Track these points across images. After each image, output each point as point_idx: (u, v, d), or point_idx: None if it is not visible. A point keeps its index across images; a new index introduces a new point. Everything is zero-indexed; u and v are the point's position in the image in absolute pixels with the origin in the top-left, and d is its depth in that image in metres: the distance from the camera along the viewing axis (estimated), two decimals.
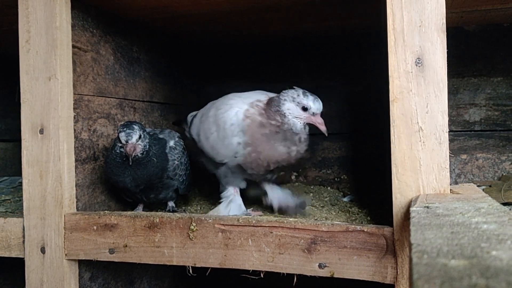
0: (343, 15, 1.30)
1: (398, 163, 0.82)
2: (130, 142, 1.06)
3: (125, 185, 1.12)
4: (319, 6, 1.18)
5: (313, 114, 1.07)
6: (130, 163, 1.07)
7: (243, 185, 1.22)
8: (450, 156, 0.81)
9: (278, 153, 1.08)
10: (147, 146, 1.11)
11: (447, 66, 0.81)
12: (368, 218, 1.10)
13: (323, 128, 1.08)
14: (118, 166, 1.09)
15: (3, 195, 1.43)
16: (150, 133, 1.18)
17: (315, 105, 1.07)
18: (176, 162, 1.18)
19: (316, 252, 0.86)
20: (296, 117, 1.07)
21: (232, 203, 1.16)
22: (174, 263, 0.95)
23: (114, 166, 1.09)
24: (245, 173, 1.15)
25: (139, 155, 1.09)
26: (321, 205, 1.32)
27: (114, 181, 1.12)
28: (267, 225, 0.89)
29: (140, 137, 1.08)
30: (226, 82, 1.72)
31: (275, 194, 1.21)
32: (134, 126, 1.07)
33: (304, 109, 1.07)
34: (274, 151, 1.08)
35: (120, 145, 1.07)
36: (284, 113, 1.07)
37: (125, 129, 1.07)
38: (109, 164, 1.11)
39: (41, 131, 1.02)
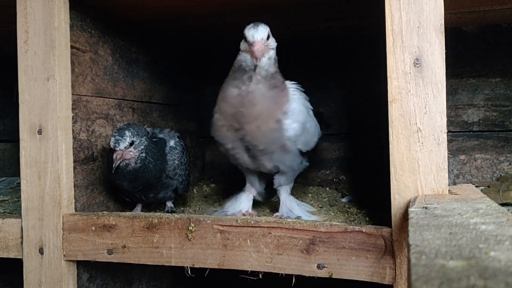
0: (342, 16, 1.30)
1: (397, 163, 0.82)
2: (118, 149, 1.04)
3: (122, 186, 1.12)
4: (318, 7, 1.19)
5: (252, 44, 0.96)
6: (113, 171, 1.06)
7: (255, 181, 1.18)
8: (448, 156, 0.81)
9: (230, 95, 1.01)
10: (143, 154, 1.09)
11: (446, 66, 0.81)
12: (367, 219, 1.10)
13: (254, 55, 0.95)
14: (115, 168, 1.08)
15: (1, 196, 1.43)
16: (153, 137, 1.17)
17: (249, 32, 0.96)
18: (176, 162, 1.18)
19: (314, 252, 0.86)
20: (244, 52, 0.99)
21: (236, 202, 1.16)
22: (173, 264, 0.95)
23: (111, 165, 1.09)
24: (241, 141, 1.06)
25: (133, 164, 1.08)
26: (320, 205, 1.32)
27: (112, 180, 1.12)
28: (265, 225, 0.89)
29: (132, 143, 1.06)
30: None
31: (285, 206, 1.14)
32: (126, 132, 1.05)
33: (246, 40, 0.98)
34: (226, 93, 1.02)
35: None
36: (240, 51, 1.01)
37: (116, 134, 1.06)
38: (108, 162, 1.11)
39: (40, 132, 1.02)
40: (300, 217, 1.09)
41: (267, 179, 1.19)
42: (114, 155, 1.04)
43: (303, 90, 1.15)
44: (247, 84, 0.99)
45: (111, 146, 1.05)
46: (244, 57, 0.99)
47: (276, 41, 1.03)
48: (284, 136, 1.04)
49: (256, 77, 0.99)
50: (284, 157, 1.07)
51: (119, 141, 1.04)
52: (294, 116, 1.05)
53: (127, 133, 1.06)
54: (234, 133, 1.04)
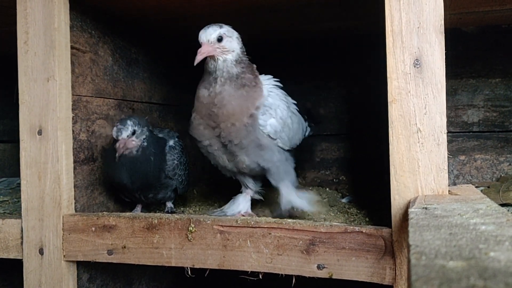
0: (342, 17, 1.30)
1: (397, 164, 0.82)
2: (120, 137, 1.06)
3: (121, 181, 1.11)
4: (317, 8, 1.19)
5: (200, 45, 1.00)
6: (116, 160, 1.07)
7: (248, 182, 1.17)
8: (448, 157, 0.81)
9: (201, 95, 1.04)
10: (145, 143, 1.11)
11: (445, 67, 0.81)
12: (367, 219, 1.10)
13: (197, 56, 0.99)
14: (115, 161, 1.09)
15: (1, 196, 1.43)
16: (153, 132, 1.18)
17: (199, 34, 1.00)
18: (176, 162, 1.18)
19: (314, 253, 0.86)
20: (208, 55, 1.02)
21: (233, 204, 1.16)
22: (173, 264, 0.95)
23: (111, 160, 1.10)
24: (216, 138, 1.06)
25: (134, 152, 1.09)
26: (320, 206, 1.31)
27: (111, 176, 1.12)
28: (265, 226, 0.89)
29: (133, 133, 1.08)
30: None
31: (284, 198, 1.11)
32: (128, 121, 1.08)
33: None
34: (199, 93, 1.05)
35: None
36: None
37: (118, 124, 1.08)
38: (108, 159, 1.12)
39: (40, 132, 1.02)
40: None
41: (261, 179, 1.18)
42: (117, 144, 1.06)
43: (281, 86, 1.14)
44: (214, 85, 1.02)
45: (114, 136, 1.07)
46: (208, 60, 1.02)
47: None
48: (259, 130, 1.04)
49: (220, 78, 1.01)
50: (261, 152, 1.06)
51: (121, 129, 1.06)
52: (271, 111, 1.05)
53: (129, 122, 1.08)
54: (210, 131, 1.05)
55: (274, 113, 1.05)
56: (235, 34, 1.04)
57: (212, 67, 1.02)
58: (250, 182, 1.18)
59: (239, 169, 1.11)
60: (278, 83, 1.13)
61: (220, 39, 1.00)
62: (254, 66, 1.08)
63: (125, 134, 1.06)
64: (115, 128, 1.07)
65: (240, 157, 1.06)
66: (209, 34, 1.00)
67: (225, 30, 1.01)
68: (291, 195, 1.12)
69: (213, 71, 1.02)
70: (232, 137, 1.03)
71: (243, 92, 1.02)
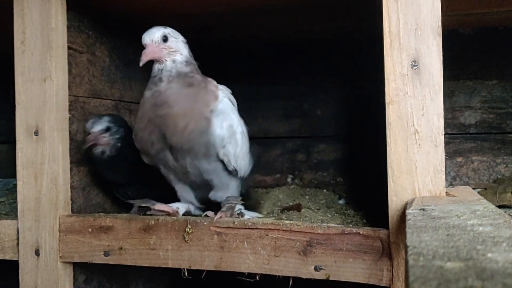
0: (340, 17, 1.30)
1: (394, 165, 0.82)
2: (91, 131, 1.03)
3: (109, 178, 1.12)
4: (316, 9, 1.19)
5: (144, 47, 0.95)
6: (82, 152, 1.04)
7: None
8: (445, 158, 0.81)
9: (145, 98, 0.96)
10: (119, 143, 1.07)
11: (443, 68, 0.81)
12: (364, 221, 1.10)
13: (141, 57, 0.94)
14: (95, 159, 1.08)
15: None
16: None
17: (143, 36, 0.96)
18: None
19: (312, 254, 0.86)
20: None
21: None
22: (170, 266, 0.95)
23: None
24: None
25: (108, 152, 1.07)
26: (317, 207, 1.31)
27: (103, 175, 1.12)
28: (262, 227, 0.89)
29: (107, 129, 1.05)
30: (222, 83, 1.72)
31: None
32: (104, 117, 1.05)
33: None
34: (143, 99, 0.98)
35: None
36: None
37: (93, 117, 1.06)
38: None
39: (36, 133, 1.01)
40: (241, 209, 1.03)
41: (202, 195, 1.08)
42: (87, 138, 1.03)
43: (233, 100, 1.06)
44: (159, 84, 0.94)
45: (86, 128, 1.04)
46: (154, 64, 0.97)
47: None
48: (211, 135, 0.95)
49: (168, 78, 0.94)
50: (207, 161, 0.98)
51: (95, 123, 1.04)
52: (221, 116, 0.97)
53: (106, 118, 1.06)
54: (157, 137, 0.96)
55: (223, 118, 0.97)
56: (180, 37, 0.99)
57: (157, 71, 0.95)
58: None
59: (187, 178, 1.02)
60: (232, 97, 1.05)
61: (165, 39, 0.95)
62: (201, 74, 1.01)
63: (97, 128, 1.04)
64: (89, 121, 1.04)
65: (186, 163, 0.98)
66: (152, 34, 0.95)
67: (170, 30, 0.97)
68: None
69: (159, 73, 0.95)
70: (182, 142, 0.93)
71: (192, 92, 0.94)
